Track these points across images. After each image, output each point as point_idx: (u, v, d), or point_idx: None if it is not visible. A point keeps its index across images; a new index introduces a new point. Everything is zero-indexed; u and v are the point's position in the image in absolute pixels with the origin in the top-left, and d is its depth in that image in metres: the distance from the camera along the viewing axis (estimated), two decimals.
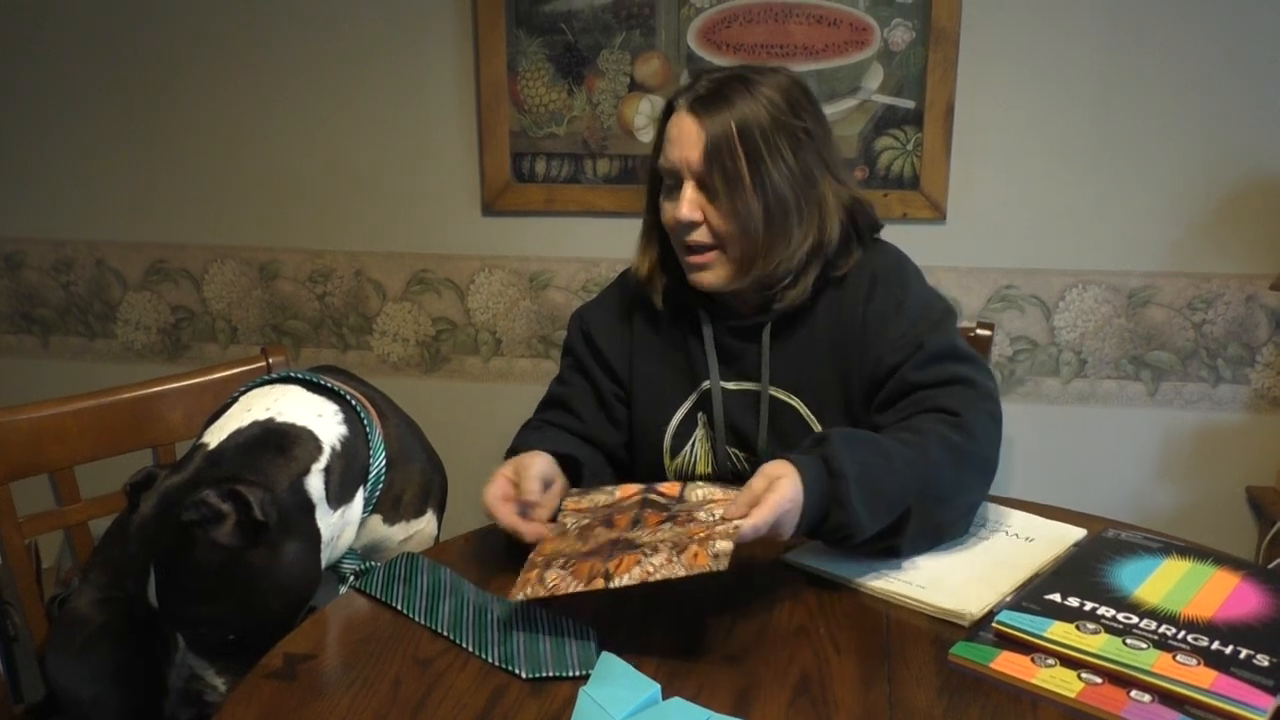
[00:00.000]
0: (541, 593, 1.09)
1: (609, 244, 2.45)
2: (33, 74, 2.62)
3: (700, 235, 1.40)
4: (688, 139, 1.37)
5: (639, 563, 1.07)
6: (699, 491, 1.26)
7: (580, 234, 2.48)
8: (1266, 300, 2.30)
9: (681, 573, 1.04)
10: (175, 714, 1.19)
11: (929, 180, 2.33)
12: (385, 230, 2.58)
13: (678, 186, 1.40)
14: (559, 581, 1.09)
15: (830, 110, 2.20)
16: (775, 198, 1.37)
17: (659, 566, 1.06)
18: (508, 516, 1.26)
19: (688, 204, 1.38)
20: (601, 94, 2.39)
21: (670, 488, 1.29)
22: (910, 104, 2.30)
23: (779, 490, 1.12)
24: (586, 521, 1.23)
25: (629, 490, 1.31)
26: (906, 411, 1.33)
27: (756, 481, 1.15)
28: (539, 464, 1.31)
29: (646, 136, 2.39)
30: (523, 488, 1.27)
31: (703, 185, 1.38)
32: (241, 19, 2.51)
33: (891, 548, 1.23)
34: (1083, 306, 2.37)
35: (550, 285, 2.54)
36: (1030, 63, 2.27)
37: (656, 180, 1.46)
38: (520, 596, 1.10)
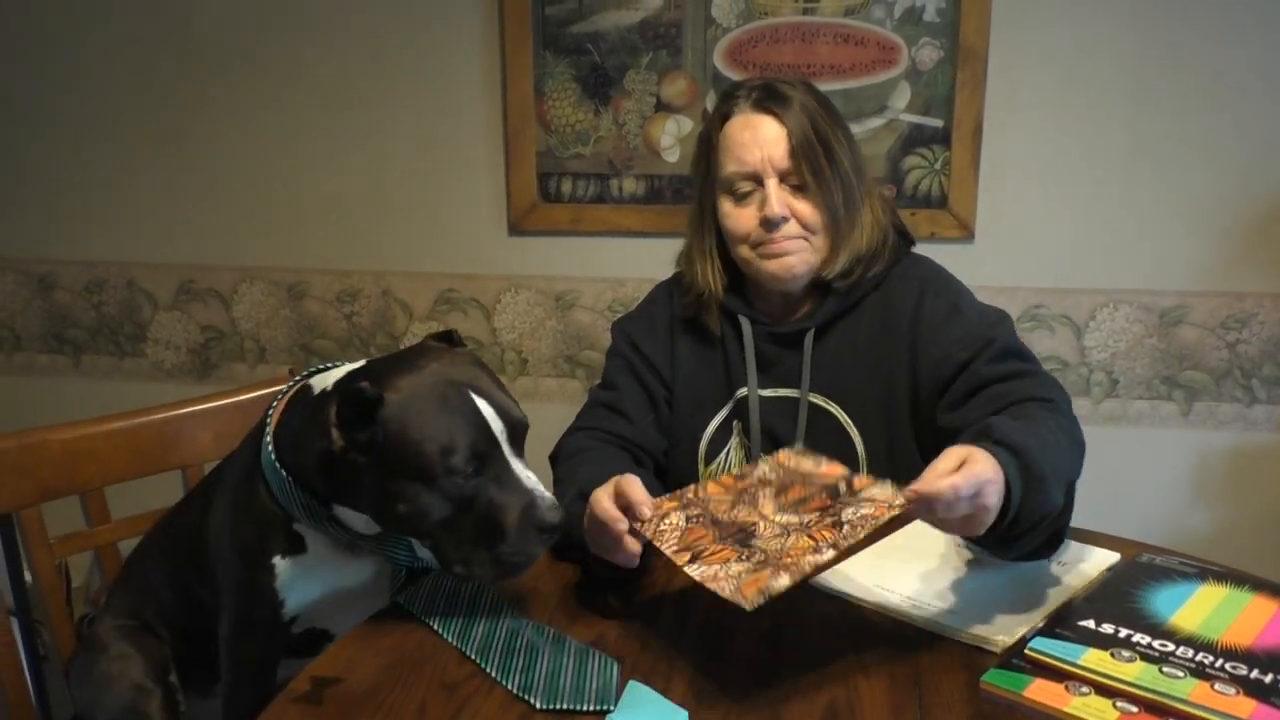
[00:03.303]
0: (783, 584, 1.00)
1: (635, 264, 2.45)
2: (64, 98, 2.65)
3: (791, 229, 1.40)
4: (765, 137, 1.39)
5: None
6: (874, 490, 1.10)
7: (606, 254, 2.49)
8: None
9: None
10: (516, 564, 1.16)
11: (957, 199, 2.31)
12: (412, 250, 2.59)
13: (755, 189, 1.41)
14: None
15: (857, 129, 2.19)
16: (847, 184, 1.41)
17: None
18: (618, 520, 1.15)
19: (777, 201, 1.39)
20: (628, 114, 2.40)
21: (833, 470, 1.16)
22: (938, 123, 2.29)
23: (976, 462, 1.04)
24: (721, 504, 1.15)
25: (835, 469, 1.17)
26: (981, 408, 1.30)
27: (944, 460, 1.06)
28: (640, 483, 1.19)
29: (673, 157, 2.39)
30: (638, 509, 1.15)
31: (785, 180, 1.40)
32: (270, 43, 2.53)
33: (1057, 534, 1.22)
34: (1114, 326, 2.35)
35: (576, 305, 2.55)
36: (1059, 81, 2.25)
37: (707, 198, 1.47)
38: (756, 599, 1.00)
